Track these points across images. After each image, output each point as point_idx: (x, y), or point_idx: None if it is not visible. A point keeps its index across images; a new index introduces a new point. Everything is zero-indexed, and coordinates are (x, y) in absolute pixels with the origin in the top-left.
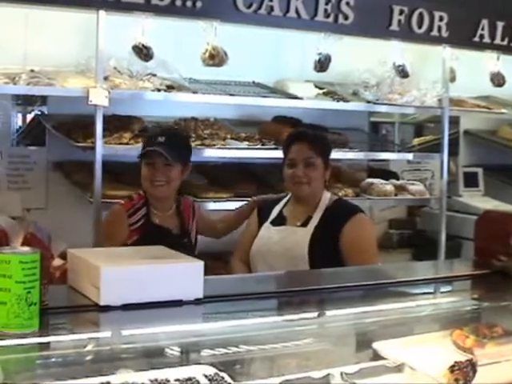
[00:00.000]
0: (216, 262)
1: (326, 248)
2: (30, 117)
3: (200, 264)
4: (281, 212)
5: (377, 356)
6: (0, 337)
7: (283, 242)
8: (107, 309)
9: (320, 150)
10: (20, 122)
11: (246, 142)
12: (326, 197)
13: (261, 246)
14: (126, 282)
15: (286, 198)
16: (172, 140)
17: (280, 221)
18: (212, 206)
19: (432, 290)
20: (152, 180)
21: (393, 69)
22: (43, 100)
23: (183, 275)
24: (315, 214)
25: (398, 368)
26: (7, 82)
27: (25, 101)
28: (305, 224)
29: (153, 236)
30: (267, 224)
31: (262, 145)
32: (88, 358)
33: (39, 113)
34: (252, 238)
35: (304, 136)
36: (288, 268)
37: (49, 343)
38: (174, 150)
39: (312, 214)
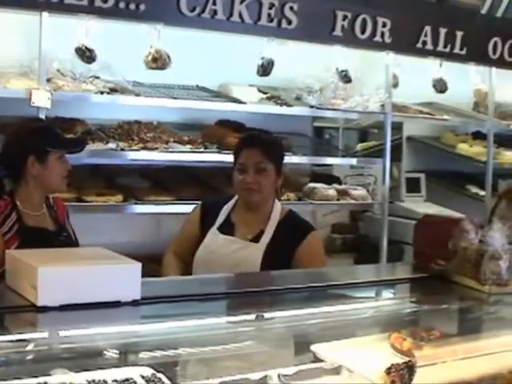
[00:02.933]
0: (151, 265)
1: (279, 267)
2: None
3: (138, 266)
4: (228, 217)
5: (315, 358)
6: None
7: (233, 255)
8: (45, 309)
9: (272, 156)
10: None
11: (189, 146)
12: (278, 208)
13: (208, 254)
14: (63, 283)
15: (233, 201)
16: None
17: (228, 228)
18: (154, 208)
19: (372, 294)
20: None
21: (336, 74)
22: None
23: (121, 277)
24: (267, 229)
25: (336, 370)
26: None
27: None
28: (256, 239)
29: (33, 238)
30: (214, 230)
31: (205, 148)
32: (25, 358)
33: None
34: (192, 238)
35: (256, 140)
36: None
37: None
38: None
39: (264, 227)
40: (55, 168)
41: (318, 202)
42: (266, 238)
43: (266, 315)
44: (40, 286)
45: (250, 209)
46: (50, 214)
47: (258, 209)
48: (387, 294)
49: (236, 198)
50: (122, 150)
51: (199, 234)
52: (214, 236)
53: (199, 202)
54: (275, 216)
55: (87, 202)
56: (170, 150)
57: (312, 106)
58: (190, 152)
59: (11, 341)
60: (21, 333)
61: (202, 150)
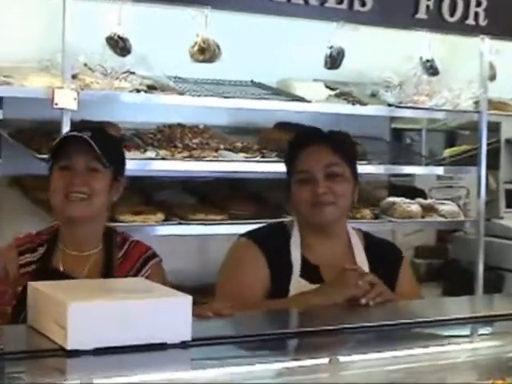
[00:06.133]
0: (196, 297)
1: None
2: None
3: (187, 299)
4: (304, 258)
5: None
6: None
7: None
8: (76, 354)
9: (347, 154)
10: None
11: (243, 154)
12: (351, 230)
13: None
14: (98, 322)
15: (296, 234)
16: (101, 137)
17: (313, 272)
18: (202, 229)
19: (468, 332)
20: (69, 191)
21: (419, 65)
22: None
23: (167, 313)
24: (359, 262)
25: None
26: None
27: None
28: None
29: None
30: (297, 278)
31: (262, 157)
32: None
33: None
34: (261, 289)
35: (322, 135)
36: None
37: None
38: (105, 150)
39: (352, 260)
40: (54, 182)
41: (398, 220)
42: None
43: (342, 359)
44: (70, 325)
45: (323, 233)
46: (106, 258)
47: (333, 233)
48: (485, 332)
49: (295, 228)
50: (163, 159)
51: (269, 284)
52: (301, 287)
53: (243, 239)
54: (356, 241)
55: (121, 222)
56: (220, 158)
57: (390, 105)
58: (244, 161)
59: None
60: (47, 382)
61: (258, 158)
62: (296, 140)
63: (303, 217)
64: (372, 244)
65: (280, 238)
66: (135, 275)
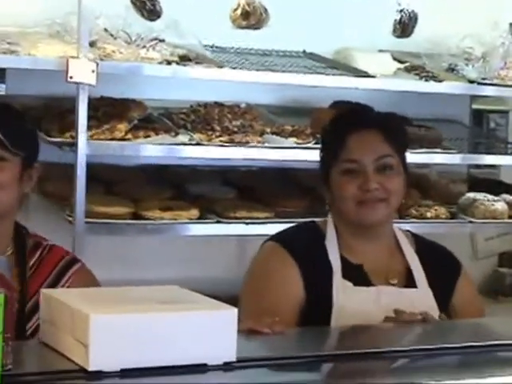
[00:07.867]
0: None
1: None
2: None
3: (232, 312)
4: (344, 258)
5: None
6: None
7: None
8: (99, 376)
9: (400, 143)
10: None
11: (293, 139)
12: (398, 231)
13: (347, 319)
14: (126, 338)
15: (331, 231)
16: (3, 114)
17: (356, 272)
18: (244, 229)
19: None
20: None
21: (508, 33)
22: (1, 74)
23: (209, 329)
24: (413, 265)
25: None
26: None
27: None
28: (411, 283)
29: None
30: (339, 279)
31: (316, 142)
32: None
33: None
34: (296, 305)
35: (373, 119)
36: None
37: None
38: (11, 132)
39: (405, 263)
40: None
41: (479, 221)
42: (420, 278)
43: None
44: (93, 341)
45: (367, 237)
46: (21, 265)
47: (378, 235)
48: None
49: (330, 227)
50: (198, 144)
51: (303, 293)
52: (346, 290)
53: (269, 244)
54: (405, 243)
55: (147, 219)
56: (266, 144)
57: (471, 81)
58: (294, 148)
59: None
60: None
61: (311, 144)
62: (342, 120)
63: (345, 215)
64: (425, 248)
65: (313, 238)
66: (53, 286)
